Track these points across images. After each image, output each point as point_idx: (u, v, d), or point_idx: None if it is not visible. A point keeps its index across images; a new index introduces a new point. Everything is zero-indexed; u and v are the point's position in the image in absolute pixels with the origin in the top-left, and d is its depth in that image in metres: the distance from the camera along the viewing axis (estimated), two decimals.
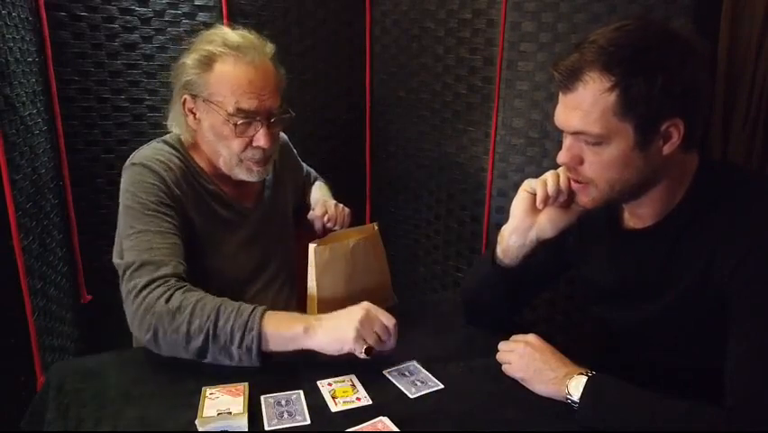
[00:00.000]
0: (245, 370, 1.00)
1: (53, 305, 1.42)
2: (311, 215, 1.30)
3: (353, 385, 0.98)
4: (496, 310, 1.17)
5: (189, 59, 1.14)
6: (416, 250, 2.15)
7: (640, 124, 0.86)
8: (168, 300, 0.99)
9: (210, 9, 1.70)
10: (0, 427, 1.18)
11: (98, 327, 1.67)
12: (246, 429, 0.86)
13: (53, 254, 1.48)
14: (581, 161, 0.93)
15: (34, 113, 1.43)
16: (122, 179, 1.15)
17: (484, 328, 1.17)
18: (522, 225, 1.06)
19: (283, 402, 0.92)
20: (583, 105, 0.87)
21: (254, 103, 1.12)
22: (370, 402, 0.94)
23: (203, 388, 0.92)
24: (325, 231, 1.28)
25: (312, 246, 1.12)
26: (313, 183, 1.57)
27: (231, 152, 1.16)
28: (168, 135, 1.24)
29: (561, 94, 0.92)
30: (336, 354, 0.99)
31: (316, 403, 0.93)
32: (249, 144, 1.15)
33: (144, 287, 1.01)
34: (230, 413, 0.86)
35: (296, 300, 1.38)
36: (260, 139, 1.14)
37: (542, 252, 1.09)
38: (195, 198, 1.18)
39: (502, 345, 1.05)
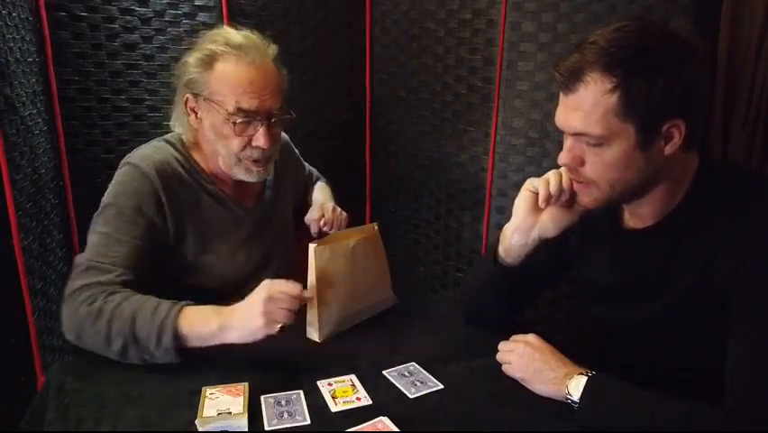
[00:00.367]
0: (245, 370, 1.00)
1: (53, 305, 1.42)
2: (308, 218, 1.31)
3: (353, 385, 0.98)
4: (497, 310, 1.17)
5: (192, 58, 1.15)
6: (416, 250, 2.15)
7: (641, 125, 0.86)
8: (90, 304, 1.01)
9: (210, 9, 1.70)
10: (0, 427, 1.18)
11: None
12: (246, 429, 0.86)
13: (53, 254, 1.48)
14: (582, 162, 0.93)
15: (34, 113, 1.43)
16: (116, 173, 1.16)
17: (484, 328, 1.17)
18: (524, 225, 1.06)
19: (283, 402, 0.92)
20: (584, 106, 0.87)
21: (254, 103, 1.12)
22: (370, 402, 0.93)
23: (203, 388, 0.92)
24: (322, 234, 1.28)
25: (312, 246, 1.12)
26: (315, 183, 1.57)
27: (229, 151, 1.16)
28: (170, 134, 1.24)
29: (561, 95, 0.92)
30: (253, 342, 0.99)
31: (316, 403, 0.93)
32: (248, 144, 1.15)
33: (77, 289, 1.04)
34: (230, 413, 0.86)
35: None
36: (260, 139, 1.14)
37: (543, 251, 1.09)
38: (192, 198, 1.19)
39: (502, 345, 1.05)
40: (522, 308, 1.26)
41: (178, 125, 1.22)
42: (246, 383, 0.94)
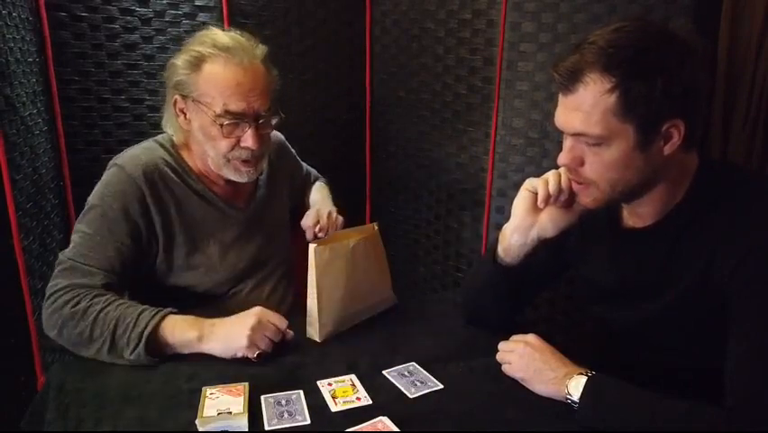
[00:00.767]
0: (245, 370, 1.00)
1: None
2: (303, 223, 1.30)
3: (353, 385, 0.98)
4: (497, 310, 1.17)
5: (180, 60, 1.15)
6: (416, 250, 2.15)
7: (641, 125, 0.86)
8: (74, 306, 1.03)
9: (210, 9, 1.70)
10: (0, 427, 1.18)
11: None
12: (246, 429, 0.86)
13: (53, 254, 1.48)
14: (582, 163, 0.93)
15: (35, 113, 1.43)
16: (104, 174, 1.17)
17: (484, 328, 1.17)
18: (523, 224, 1.06)
19: (283, 402, 0.92)
20: (584, 107, 0.87)
21: (242, 105, 1.12)
22: (370, 402, 0.93)
23: (203, 388, 0.92)
24: (317, 240, 1.28)
25: (312, 246, 1.12)
26: (313, 183, 1.57)
27: (218, 152, 1.16)
28: (160, 135, 1.25)
29: (561, 95, 0.92)
30: (230, 358, 1.03)
31: (316, 403, 0.93)
32: (236, 145, 1.16)
33: (61, 289, 1.06)
34: (230, 413, 0.86)
35: (291, 299, 1.39)
36: (248, 140, 1.15)
37: (543, 251, 1.09)
38: (180, 199, 1.19)
39: (502, 345, 1.05)
40: (522, 308, 1.26)
41: (169, 126, 1.23)
42: (246, 383, 0.94)
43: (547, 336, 1.03)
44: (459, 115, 1.91)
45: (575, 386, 0.90)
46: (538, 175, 1.04)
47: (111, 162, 1.18)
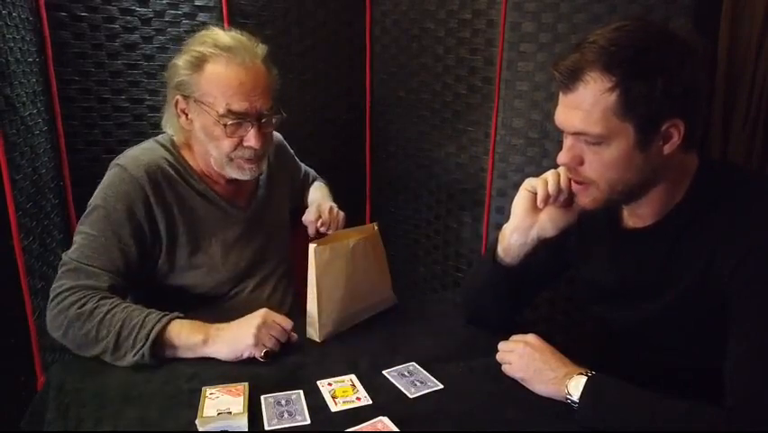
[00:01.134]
0: (245, 370, 1.00)
1: None
2: (305, 219, 1.31)
3: (353, 385, 0.98)
4: (497, 310, 1.17)
5: (181, 60, 1.15)
6: (416, 250, 2.15)
7: (640, 125, 0.86)
8: (81, 307, 1.04)
9: (210, 9, 1.70)
10: (0, 427, 1.18)
11: None
12: (246, 429, 0.86)
13: (53, 254, 1.48)
14: (582, 162, 0.93)
15: (35, 113, 1.43)
16: (105, 175, 1.16)
17: (484, 328, 1.17)
18: (523, 224, 1.06)
19: (283, 402, 0.92)
20: (584, 106, 0.87)
21: (245, 104, 1.12)
22: (370, 402, 0.94)
23: (203, 388, 0.92)
24: (320, 235, 1.28)
25: (312, 246, 1.12)
26: (312, 183, 1.57)
27: (221, 152, 1.17)
28: (160, 135, 1.25)
29: (561, 94, 0.92)
30: (236, 360, 1.03)
31: (316, 403, 0.93)
32: (239, 144, 1.16)
33: (67, 289, 1.06)
34: (230, 413, 0.86)
35: (291, 298, 1.39)
36: (251, 139, 1.15)
37: (543, 251, 1.09)
38: (182, 199, 1.20)
39: (502, 345, 1.05)
40: (521, 308, 1.26)
41: (169, 126, 1.23)
42: (246, 383, 0.94)
43: (547, 336, 1.03)
44: (459, 115, 1.91)
45: (575, 386, 0.90)
46: (538, 175, 1.04)
47: (112, 163, 1.18)
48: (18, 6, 1.37)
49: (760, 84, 1.52)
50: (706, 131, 1.60)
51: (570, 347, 1.00)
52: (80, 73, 1.62)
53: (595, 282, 1.09)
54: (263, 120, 1.16)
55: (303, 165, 1.57)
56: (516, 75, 1.72)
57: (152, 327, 1.01)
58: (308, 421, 0.88)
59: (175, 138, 1.23)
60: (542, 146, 1.72)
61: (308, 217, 1.30)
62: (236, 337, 1.04)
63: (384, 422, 0.88)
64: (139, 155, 1.18)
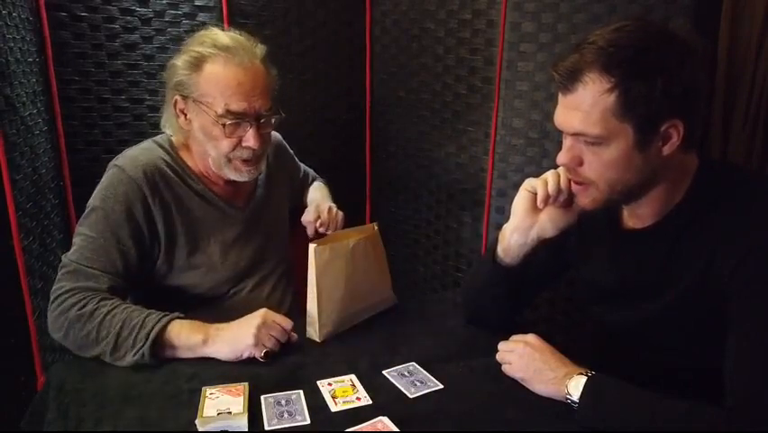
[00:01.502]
0: (245, 370, 1.00)
1: None
2: (304, 219, 1.31)
3: (353, 385, 0.98)
4: (497, 310, 1.17)
5: (180, 61, 1.15)
6: (415, 250, 2.15)
7: (640, 125, 0.86)
8: (81, 308, 1.04)
9: (210, 9, 1.70)
10: (0, 427, 1.18)
11: None
12: (246, 429, 0.86)
13: (53, 254, 1.48)
14: (581, 162, 0.93)
15: (35, 113, 1.43)
16: (103, 176, 1.16)
17: (484, 328, 1.17)
18: (523, 224, 1.06)
19: (283, 402, 0.92)
20: (583, 106, 0.87)
21: (243, 104, 1.12)
22: (370, 402, 0.94)
23: (203, 388, 0.92)
24: (319, 236, 1.28)
25: (312, 246, 1.12)
26: (311, 184, 1.57)
27: (219, 152, 1.16)
28: (159, 136, 1.25)
29: (560, 95, 0.92)
30: (236, 360, 1.04)
31: (316, 403, 0.93)
32: (238, 144, 1.16)
33: (67, 291, 1.06)
34: (230, 413, 0.86)
35: (291, 298, 1.39)
36: (250, 139, 1.15)
37: (543, 251, 1.09)
38: (180, 199, 1.19)
39: (502, 345, 1.05)
40: (521, 308, 1.26)
41: (168, 127, 1.23)
42: (246, 383, 0.94)
43: (547, 336, 1.03)
44: (459, 115, 1.91)
45: (575, 386, 0.90)
46: (538, 175, 1.04)
47: (110, 164, 1.18)
48: (18, 6, 1.37)
49: (760, 84, 1.52)
50: (706, 131, 1.60)
51: (570, 347, 1.00)
52: (80, 73, 1.62)
53: (595, 283, 1.09)
54: (262, 120, 1.16)
55: (302, 165, 1.57)
56: (516, 75, 1.72)
57: (152, 328, 1.01)
58: (308, 421, 0.88)
59: (174, 138, 1.23)
60: (542, 146, 1.72)
61: (307, 218, 1.30)
62: (236, 337, 1.04)
63: (384, 422, 0.88)
64: (137, 156, 1.18)
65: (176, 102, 1.17)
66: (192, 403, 0.90)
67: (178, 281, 1.21)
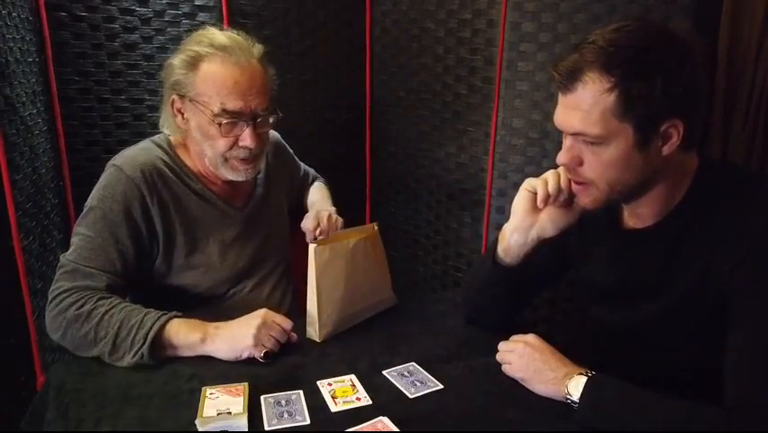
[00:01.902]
0: (245, 370, 1.00)
1: None
2: (303, 225, 1.29)
3: (353, 385, 0.98)
4: (496, 310, 1.17)
5: (177, 60, 1.15)
6: (415, 250, 2.15)
7: (640, 125, 0.86)
8: (79, 308, 1.04)
9: (210, 9, 1.70)
10: (0, 427, 1.18)
11: None
12: (246, 429, 0.86)
13: (53, 254, 1.48)
14: (581, 162, 0.93)
15: (34, 113, 1.43)
16: (101, 176, 1.16)
17: (484, 328, 1.17)
18: (523, 224, 1.06)
19: (283, 402, 0.92)
20: (583, 106, 0.87)
21: (239, 104, 1.12)
22: (370, 402, 0.94)
23: (203, 388, 0.92)
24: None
25: (312, 246, 1.12)
26: (312, 183, 1.57)
27: (216, 151, 1.16)
28: (157, 135, 1.25)
29: (560, 94, 0.92)
30: (235, 360, 1.04)
31: (316, 403, 0.93)
32: (234, 144, 1.16)
33: (64, 291, 1.06)
34: (230, 413, 0.86)
35: (290, 298, 1.39)
36: (246, 139, 1.14)
37: (543, 251, 1.09)
38: (178, 198, 1.19)
39: (502, 346, 1.05)
40: (521, 308, 1.26)
41: (166, 126, 1.23)
42: (246, 383, 0.94)
43: (547, 336, 1.03)
44: (459, 115, 1.91)
45: (575, 386, 0.90)
46: (538, 175, 1.03)
47: (108, 164, 1.17)
48: (18, 6, 1.37)
49: (760, 84, 1.52)
50: (706, 131, 1.60)
51: (570, 347, 1.00)
52: (80, 73, 1.62)
53: (595, 283, 1.09)
54: (258, 120, 1.16)
55: (302, 164, 1.57)
56: (516, 75, 1.72)
57: (151, 327, 1.01)
58: (308, 421, 0.88)
59: (172, 138, 1.23)
60: (542, 146, 1.72)
61: (307, 226, 1.28)
62: (235, 337, 1.04)
63: (384, 422, 0.88)
64: (135, 155, 1.17)
65: (173, 101, 1.17)
66: (192, 403, 0.90)
67: (177, 281, 1.21)
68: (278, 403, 0.92)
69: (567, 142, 0.93)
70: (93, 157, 1.67)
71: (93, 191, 1.15)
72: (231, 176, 1.20)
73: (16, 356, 1.26)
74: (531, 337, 1.03)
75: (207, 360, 1.03)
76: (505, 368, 1.02)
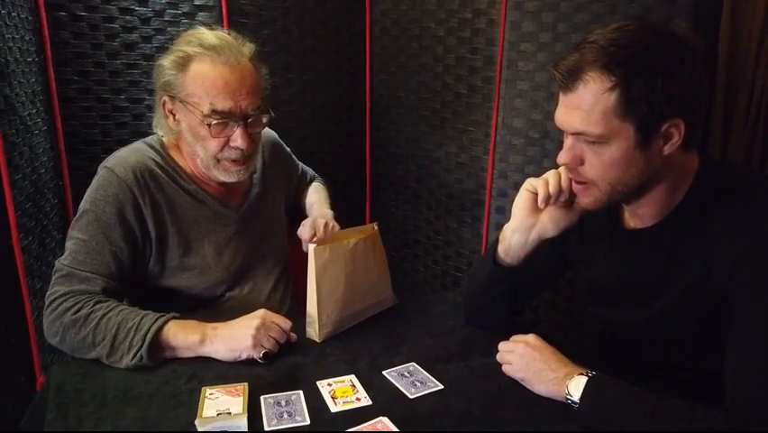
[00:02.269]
0: (245, 370, 1.00)
1: None
2: (300, 233, 1.28)
3: (353, 385, 0.98)
4: (497, 310, 1.17)
5: (167, 61, 1.14)
6: (415, 250, 2.15)
7: (641, 125, 0.86)
8: (76, 313, 1.04)
9: (210, 9, 1.70)
10: (0, 427, 1.18)
11: None
12: (246, 429, 0.86)
13: (53, 254, 1.48)
14: (582, 162, 0.93)
15: (34, 113, 1.43)
16: (94, 178, 1.16)
17: (484, 328, 1.17)
18: (524, 225, 1.06)
19: (283, 402, 0.92)
20: (584, 106, 0.87)
21: (229, 104, 1.11)
22: (370, 402, 0.93)
23: (203, 388, 0.92)
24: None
25: (312, 246, 1.12)
26: (310, 183, 1.56)
27: (207, 153, 1.15)
28: (149, 137, 1.24)
29: (561, 94, 0.92)
30: (233, 360, 1.03)
31: (316, 403, 0.93)
32: (226, 144, 1.15)
33: (61, 296, 1.06)
34: (230, 413, 0.86)
35: (290, 298, 1.38)
36: (237, 139, 1.13)
37: (543, 251, 1.09)
38: (171, 199, 1.19)
39: (502, 346, 1.05)
40: (521, 308, 1.26)
41: (160, 127, 1.22)
42: (246, 383, 0.94)
43: (547, 336, 1.03)
44: (459, 115, 1.91)
45: (575, 386, 0.90)
46: (538, 175, 1.03)
47: (101, 166, 1.17)
48: (18, 6, 1.37)
49: (760, 84, 1.52)
50: (706, 131, 1.60)
51: (570, 347, 1.00)
52: (80, 73, 1.62)
53: (596, 283, 1.09)
54: (250, 120, 1.14)
55: (300, 164, 1.56)
56: (516, 74, 1.72)
57: (148, 330, 1.01)
58: (308, 422, 0.88)
59: (165, 139, 1.22)
60: (542, 146, 1.72)
61: (303, 235, 1.27)
62: (234, 338, 1.03)
63: (384, 422, 0.87)
64: (126, 156, 1.17)
65: (164, 102, 1.16)
66: (192, 403, 0.90)
67: (173, 283, 1.20)
68: (278, 403, 0.92)
69: (568, 141, 0.93)
70: (92, 157, 1.67)
71: (86, 194, 1.14)
72: (223, 177, 1.19)
73: (16, 356, 1.26)
74: (531, 337, 1.02)
75: (207, 360, 1.03)
76: (505, 368, 1.02)
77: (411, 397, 0.96)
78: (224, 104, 1.11)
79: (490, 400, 0.96)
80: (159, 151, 1.20)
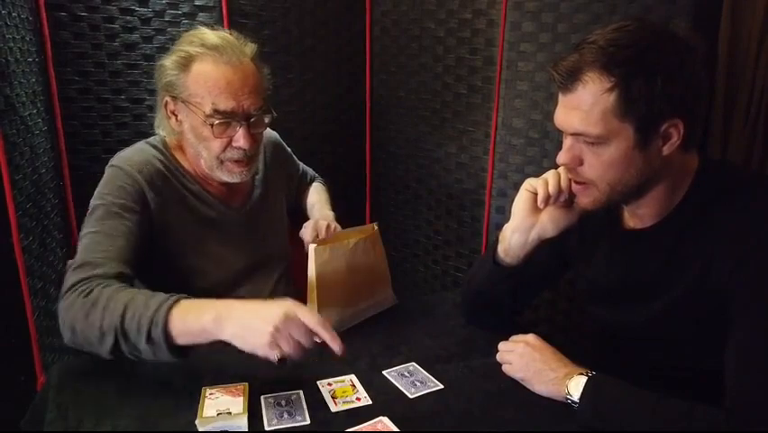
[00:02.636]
0: (245, 370, 1.00)
1: (53, 305, 1.42)
2: (302, 235, 1.28)
3: (353, 385, 0.98)
4: (497, 310, 1.17)
5: (168, 61, 1.14)
6: (416, 250, 2.15)
7: (640, 125, 0.86)
8: (86, 296, 0.97)
9: (210, 9, 1.70)
10: (0, 427, 1.18)
11: None
12: (246, 429, 0.86)
13: (53, 254, 1.48)
14: (581, 162, 0.93)
15: (34, 113, 1.43)
16: (102, 178, 1.15)
17: (484, 328, 1.17)
18: (523, 225, 1.06)
19: (283, 402, 0.92)
20: (583, 106, 0.87)
21: (231, 104, 1.11)
22: (370, 402, 0.93)
23: (203, 388, 0.92)
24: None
25: (312, 246, 1.12)
26: (310, 183, 1.56)
27: (210, 153, 1.15)
28: (153, 137, 1.24)
29: (560, 94, 0.92)
30: (249, 352, 0.91)
31: (316, 403, 0.93)
32: (228, 145, 1.14)
33: (73, 285, 1.00)
34: (230, 413, 0.86)
35: (291, 298, 1.38)
36: (240, 140, 1.13)
37: (543, 251, 1.09)
38: (175, 199, 1.18)
39: (502, 346, 1.05)
40: (521, 308, 1.26)
41: (162, 128, 1.21)
42: (246, 383, 0.94)
43: (547, 336, 1.03)
44: (459, 115, 1.91)
45: (575, 386, 0.90)
46: (538, 175, 1.03)
47: (107, 166, 1.16)
48: (18, 6, 1.37)
49: (760, 84, 1.52)
50: (706, 131, 1.60)
51: (570, 347, 1.00)
52: (80, 73, 1.62)
53: (595, 283, 1.09)
54: (252, 120, 1.14)
55: (301, 164, 1.56)
56: (516, 75, 1.72)
57: (158, 308, 0.93)
58: (308, 421, 0.88)
59: (167, 139, 1.22)
60: (542, 146, 1.72)
61: (305, 237, 1.27)
62: (250, 330, 0.90)
63: (384, 422, 0.88)
64: (131, 156, 1.16)
65: (166, 103, 1.16)
66: (192, 403, 0.90)
67: (173, 284, 1.20)
68: (279, 403, 0.92)
69: (567, 142, 0.93)
70: (93, 157, 1.67)
71: (95, 192, 1.14)
72: (226, 178, 1.19)
73: (16, 356, 1.26)
74: (531, 337, 1.03)
75: (207, 359, 1.03)
76: (505, 368, 1.02)
77: (411, 397, 0.96)
78: (226, 104, 1.10)
79: (490, 400, 0.96)
80: (162, 151, 1.20)
